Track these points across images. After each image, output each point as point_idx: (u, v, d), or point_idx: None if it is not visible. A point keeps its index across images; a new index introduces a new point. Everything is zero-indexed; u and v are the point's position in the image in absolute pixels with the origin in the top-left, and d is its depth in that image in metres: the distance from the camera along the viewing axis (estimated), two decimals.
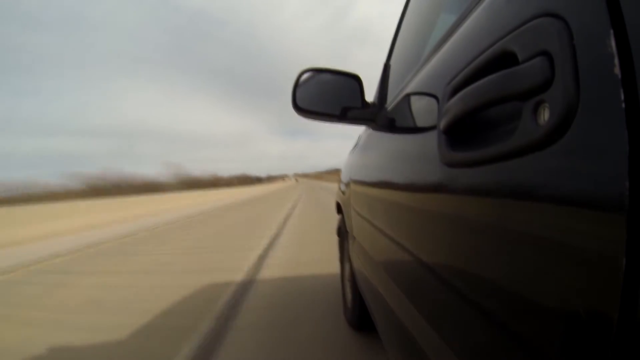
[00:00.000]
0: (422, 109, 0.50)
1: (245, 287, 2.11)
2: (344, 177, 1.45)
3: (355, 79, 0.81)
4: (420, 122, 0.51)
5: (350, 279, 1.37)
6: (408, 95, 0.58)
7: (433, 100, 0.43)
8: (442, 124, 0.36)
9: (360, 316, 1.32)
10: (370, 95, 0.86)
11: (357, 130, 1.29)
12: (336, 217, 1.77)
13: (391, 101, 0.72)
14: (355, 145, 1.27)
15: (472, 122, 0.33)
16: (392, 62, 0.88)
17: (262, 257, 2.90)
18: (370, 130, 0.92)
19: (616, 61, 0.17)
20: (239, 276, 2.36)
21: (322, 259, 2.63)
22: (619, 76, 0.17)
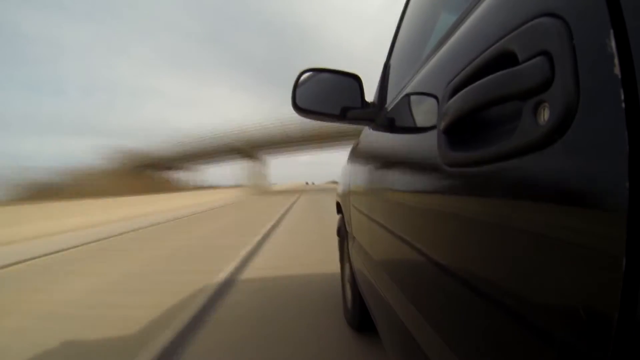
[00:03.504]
0: (422, 109, 0.50)
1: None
2: (344, 177, 1.45)
3: (355, 79, 0.81)
4: (420, 122, 0.51)
5: (350, 279, 1.37)
6: (408, 95, 0.58)
7: (433, 100, 0.43)
8: (442, 124, 0.36)
9: (360, 316, 1.32)
10: (370, 95, 0.86)
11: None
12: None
13: (391, 101, 0.72)
14: (355, 146, 1.27)
15: (472, 122, 0.33)
16: (392, 62, 0.87)
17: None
18: (370, 131, 0.92)
19: (616, 61, 0.17)
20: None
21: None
22: (619, 76, 0.17)
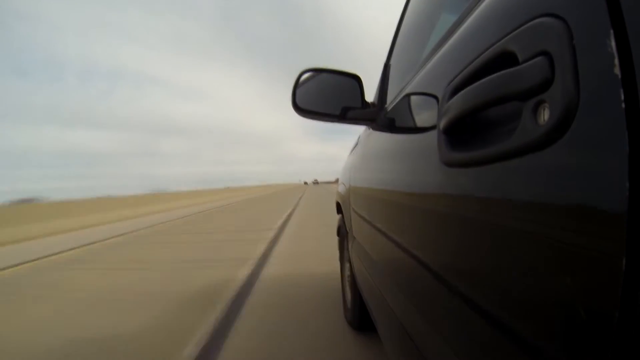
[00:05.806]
0: (422, 109, 0.50)
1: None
2: (344, 177, 1.45)
3: (355, 79, 0.80)
4: (420, 122, 0.51)
5: (350, 279, 1.37)
6: (408, 95, 0.58)
7: (433, 100, 0.43)
8: (442, 124, 0.36)
9: (360, 316, 1.32)
10: (370, 95, 0.86)
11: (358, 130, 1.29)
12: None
13: (391, 101, 0.72)
14: (355, 146, 1.27)
15: (472, 122, 0.33)
16: (392, 62, 0.87)
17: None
18: (370, 131, 0.92)
19: (616, 61, 0.17)
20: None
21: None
22: (619, 76, 0.17)
